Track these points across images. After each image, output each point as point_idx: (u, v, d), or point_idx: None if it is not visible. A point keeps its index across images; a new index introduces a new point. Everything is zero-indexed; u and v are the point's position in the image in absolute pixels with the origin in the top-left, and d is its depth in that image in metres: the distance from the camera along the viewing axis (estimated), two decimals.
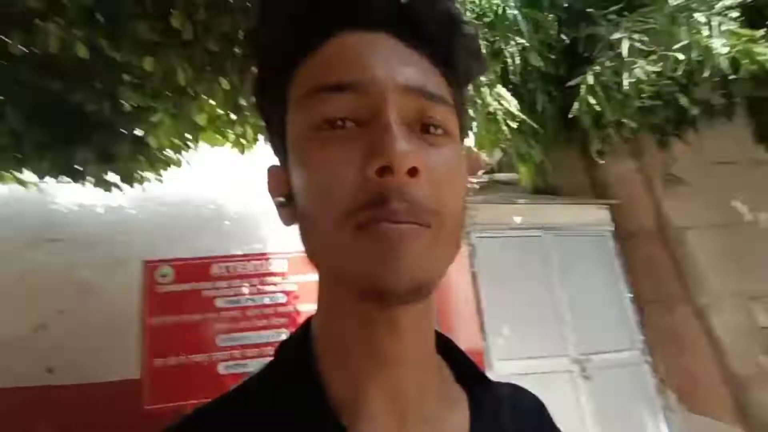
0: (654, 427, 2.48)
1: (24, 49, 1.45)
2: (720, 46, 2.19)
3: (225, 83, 1.66)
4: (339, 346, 0.31)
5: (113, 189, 2.43)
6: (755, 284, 2.59)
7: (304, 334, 0.34)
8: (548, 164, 3.17)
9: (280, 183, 0.33)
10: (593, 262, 2.73)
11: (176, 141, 2.17)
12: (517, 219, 2.68)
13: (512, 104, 2.26)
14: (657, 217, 2.80)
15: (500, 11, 2.42)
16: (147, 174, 2.41)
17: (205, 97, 1.71)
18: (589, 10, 2.62)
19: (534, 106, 2.66)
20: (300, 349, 0.33)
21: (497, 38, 2.32)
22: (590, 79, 2.34)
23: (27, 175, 2.38)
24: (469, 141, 3.19)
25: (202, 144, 2.42)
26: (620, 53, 2.31)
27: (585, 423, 2.31)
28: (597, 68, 2.38)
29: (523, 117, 2.38)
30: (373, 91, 0.27)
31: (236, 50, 1.59)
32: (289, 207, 0.32)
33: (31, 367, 2.91)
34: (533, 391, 0.40)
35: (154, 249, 3.01)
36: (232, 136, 2.33)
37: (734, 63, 2.22)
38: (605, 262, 2.77)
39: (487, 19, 2.47)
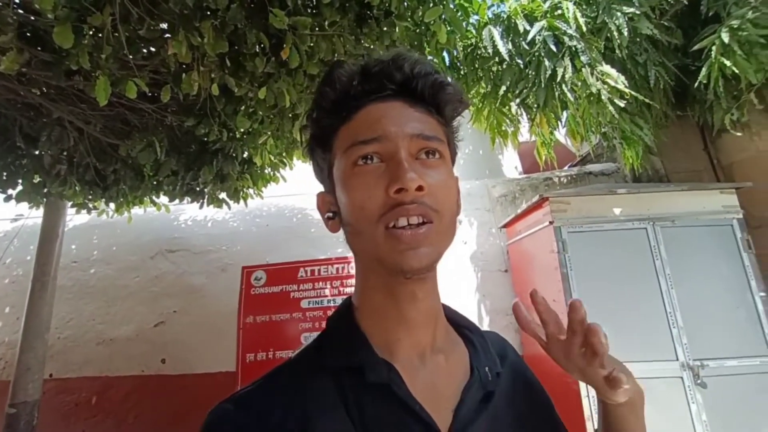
0: None
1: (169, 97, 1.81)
2: None
3: None
4: (375, 311, 0.46)
5: (223, 205, 2.88)
6: None
7: (347, 306, 0.49)
8: (655, 147, 2.84)
9: (327, 203, 0.49)
10: (714, 256, 2.36)
11: (275, 159, 2.54)
12: (617, 211, 2.44)
13: (619, 81, 2.03)
14: None
15: None
16: (249, 191, 2.81)
17: (305, 116, 2.00)
18: None
19: (641, 82, 2.37)
20: (346, 316, 0.48)
21: (598, 13, 2.10)
22: (725, 37, 1.98)
23: (161, 198, 2.92)
24: (560, 134, 2.96)
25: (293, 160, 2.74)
26: None
27: None
28: (734, 22, 1.99)
29: (634, 94, 2.14)
30: (390, 140, 0.42)
31: None
32: (334, 220, 0.47)
33: (150, 357, 3.41)
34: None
35: (252, 256, 3.41)
36: None
37: None
38: (729, 255, 2.36)
39: None
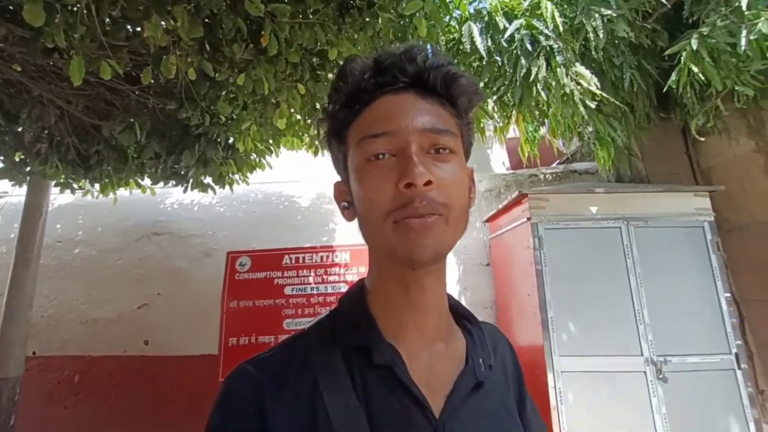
0: None
1: (151, 80, 1.80)
2: None
3: (302, 88, 1.89)
4: (385, 296, 0.48)
5: (208, 190, 2.89)
6: None
7: (359, 288, 0.52)
8: (635, 149, 2.84)
9: (343, 193, 0.50)
10: (684, 257, 2.41)
11: (260, 146, 2.54)
12: (593, 209, 2.47)
13: (592, 82, 2.03)
14: None
15: None
16: (235, 176, 2.82)
17: (285, 105, 2.00)
18: None
19: (619, 84, 2.37)
20: (358, 298, 0.50)
21: (576, 13, 2.09)
22: (694, 44, 2.00)
23: (145, 181, 2.93)
24: (543, 130, 2.98)
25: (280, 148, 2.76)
26: (738, 7, 1.95)
27: (656, 428, 2.12)
28: (705, 29, 2.01)
29: (604, 95, 2.13)
30: (400, 134, 0.43)
31: (313, 60, 1.89)
32: (349, 209, 0.49)
33: (133, 339, 3.44)
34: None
35: (237, 242, 3.43)
36: (307, 140, 2.65)
37: None
38: (699, 256, 2.42)
39: None
